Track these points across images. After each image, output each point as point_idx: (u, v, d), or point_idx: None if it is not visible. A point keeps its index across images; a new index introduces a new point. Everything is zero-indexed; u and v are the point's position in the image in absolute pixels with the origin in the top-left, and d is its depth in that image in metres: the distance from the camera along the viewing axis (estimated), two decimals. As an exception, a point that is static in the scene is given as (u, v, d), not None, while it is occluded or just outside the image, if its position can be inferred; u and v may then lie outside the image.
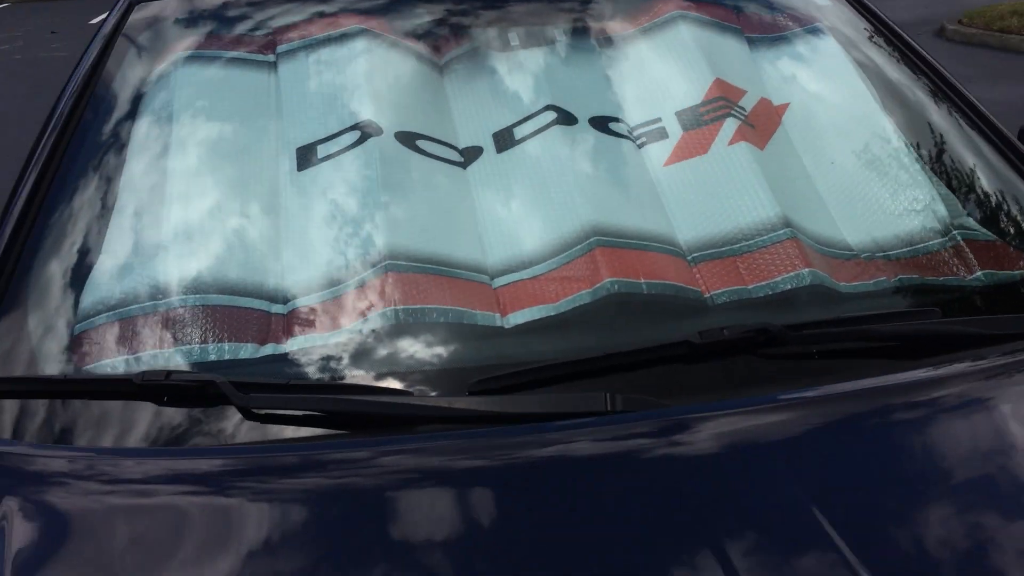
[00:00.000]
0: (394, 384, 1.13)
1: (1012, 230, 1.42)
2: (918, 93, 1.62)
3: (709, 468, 1.01)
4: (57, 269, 1.26)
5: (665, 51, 1.57)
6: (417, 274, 1.22)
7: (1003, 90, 7.76)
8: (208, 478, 1.03)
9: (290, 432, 1.09)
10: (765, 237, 1.30)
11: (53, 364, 1.16)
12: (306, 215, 1.30)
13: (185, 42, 1.55)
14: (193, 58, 1.52)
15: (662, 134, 1.45)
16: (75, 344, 1.17)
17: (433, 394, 1.11)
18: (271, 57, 1.52)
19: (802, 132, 1.50)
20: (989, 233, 1.40)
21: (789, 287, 1.25)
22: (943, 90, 1.62)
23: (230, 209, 1.31)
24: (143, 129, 1.42)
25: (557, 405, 1.07)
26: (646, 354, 1.13)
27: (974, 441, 1.07)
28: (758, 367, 1.16)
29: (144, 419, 1.09)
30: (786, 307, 1.24)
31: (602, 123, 1.45)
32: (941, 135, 1.55)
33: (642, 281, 1.23)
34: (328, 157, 1.37)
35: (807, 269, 1.26)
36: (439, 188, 1.35)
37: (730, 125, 1.45)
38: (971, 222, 1.40)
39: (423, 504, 0.98)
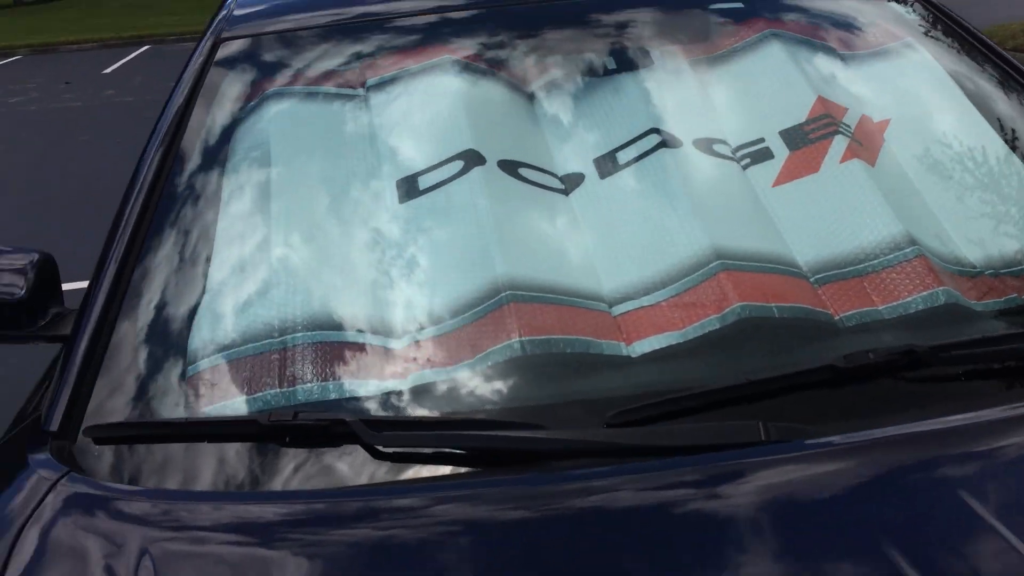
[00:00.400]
0: (524, 418, 1.08)
1: None
2: (1019, 104, 1.58)
3: (876, 495, 0.96)
4: (163, 312, 1.22)
5: (762, 70, 1.53)
6: (538, 304, 1.17)
7: None
8: (341, 520, 0.98)
9: (422, 471, 1.04)
10: (891, 256, 1.25)
11: (167, 408, 1.11)
12: (415, 247, 1.25)
13: (273, 78, 1.52)
14: (282, 94, 1.49)
15: (767, 154, 1.41)
16: (189, 387, 1.13)
17: (566, 428, 1.06)
18: (360, 91, 1.49)
19: (907, 148, 1.46)
20: None
21: (923, 307, 1.20)
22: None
23: (335, 243, 1.27)
24: (238, 167, 1.39)
25: (706, 436, 1.02)
26: (790, 380, 1.07)
27: None
28: (903, 391, 1.10)
29: (270, 461, 1.04)
30: (922, 328, 1.18)
31: (706, 145, 1.41)
32: None
33: (772, 305, 1.18)
34: (431, 188, 1.33)
35: (941, 288, 1.21)
36: (545, 216, 1.31)
37: (839, 143, 1.41)
38: None
39: (576, 544, 0.92)
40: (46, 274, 1.35)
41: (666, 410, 1.05)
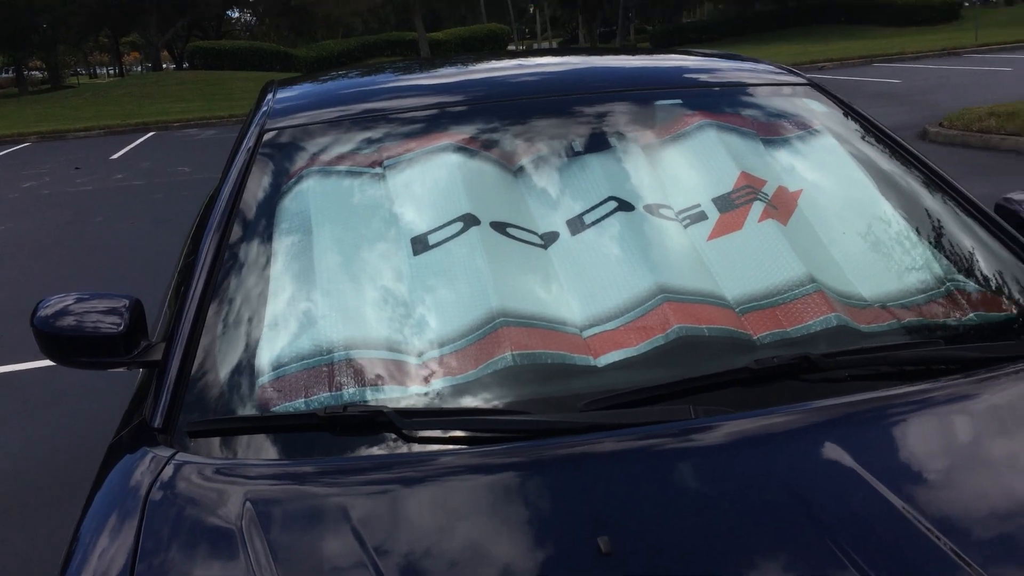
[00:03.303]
0: (516, 408, 1.43)
1: (994, 283, 1.74)
2: (904, 176, 1.97)
3: (777, 458, 1.30)
4: (234, 339, 1.57)
5: (698, 151, 1.93)
6: (524, 327, 1.53)
7: (994, 183, 8.20)
8: (381, 482, 1.30)
9: (443, 447, 1.37)
10: (797, 291, 1.62)
11: (245, 409, 1.46)
12: (427, 288, 1.62)
13: (309, 160, 1.90)
14: (316, 172, 1.87)
15: (703, 216, 1.79)
16: (260, 392, 1.48)
17: (550, 413, 1.41)
18: (379, 169, 1.87)
19: (815, 211, 1.84)
20: (976, 285, 1.72)
21: (820, 328, 1.57)
22: (924, 173, 1.98)
23: (365, 285, 1.63)
24: (286, 228, 1.76)
25: (651, 416, 1.37)
26: (715, 378, 1.44)
27: (971, 440, 1.36)
28: (800, 387, 1.46)
29: (326, 445, 1.38)
30: (818, 343, 1.55)
31: (654, 209, 1.79)
32: (927, 209, 1.89)
33: (703, 326, 1.55)
34: (438, 244, 1.70)
35: (833, 314, 1.58)
36: (529, 264, 1.68)
37: (757, 207, 1.79)
38: (960, 276, 1.73)
39: (559, 489, 1.26)
40: (136, 313, 1.70)
41: (624, 400, 1.41)
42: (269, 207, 1.82)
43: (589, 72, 2.28)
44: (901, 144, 2.08)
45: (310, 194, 1.82)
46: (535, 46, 56.21)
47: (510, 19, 48.98)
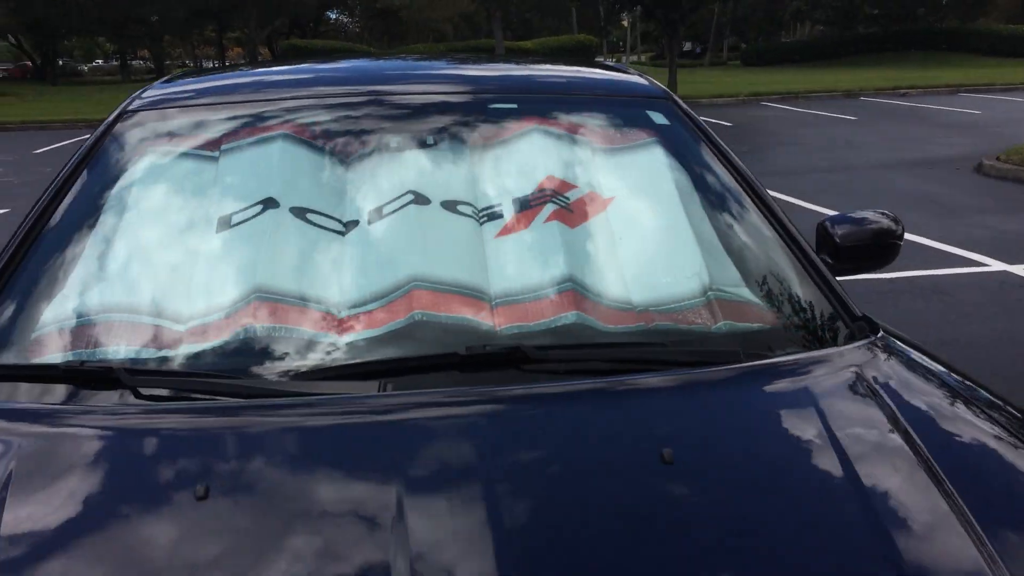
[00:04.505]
0: (244, 374, 1.56)
1: (757, 295, 1.80)
2: (721, 196, 2.03)
3: (478, 425, 1.43)
4: (24, 297, 1.75)
5: (516, 155, 2.02)
6: (277, 303, 1.66)
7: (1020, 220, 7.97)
8: (104, 429, 1.45)
9: (169, 405, 1.52)
10: (549, 289, 1.71)
11: (10, 355, 1.63)
12: (210, 263, 1.76)
13: (152, 141, 2.07)
14: (157, 152, 2.03)
15: (500, 215, 1.89)
16: (29, 343, 1.64)
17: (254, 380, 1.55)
18: (216, 153, 2.02)
19: (617, 219, 1.91)
20: (739, 295, 1.78)
21: (559, 324, 1.65)
22: (749, 195, 2.03)
23: (157, 257, 1.79)
24: (106, 203, 1.92)
25: (337, 389, 1.50)
26: (422, 360, 1.55)
27: (656, 434, 1.44)
28: (516, 377, 1.55)
29: (62, 395, 1.54)
30: (552, 338, 1.63)
31: (452, 205, 1.90)
32: (730, 227, 1.95)
33: (442, 314, 1.65)
34: (237, 224, 1.84)
35: (574, 312, 1.67)
36: (316, 248, 1.80)
37: (548, 208, 1.88)
38: (727, 287, 1.79)
39: (242, 445, 1.38)
40: None
41: (329, 374, 1.54)
42: (102, 181, 1.98)
43: (437, 75, 2.39)
44: (735, 165, 2.12)
45: (142, 172, 1.98)
46: (623, 60, 56.23)
47: (600, 31, 49.09)
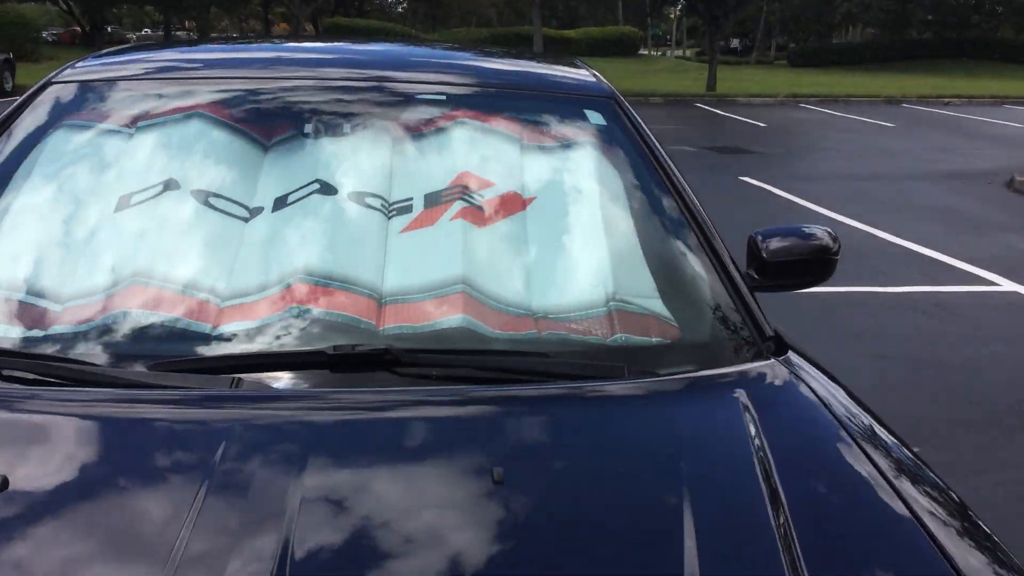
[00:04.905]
0: (108, 361, 1.52)
1: (665, 308, 1.72)
2: (647, 201, 1.95)
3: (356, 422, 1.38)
4: None
5: (435, 148, 1.95)
6: (156, 289, 1.61)
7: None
8: None
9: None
10: (440, 290, 1.64)
11: None
12: (103, 243, 1.72)
13: (73, 115, 2.02)
14: (73, 125, 1.99)
15: (409, 209, 1.82)
16: None
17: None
18: (131, 130, 1.98)
19: (534, 221, 1.84)
20: (645, 307, 1.70)
21: (444, 327, 1.59)
22: (677, 204, 1.95)
23: (52, 235, 1.74)
24: (18, 173, 1.88)
25: (191, 382, 1.44)
26: (289, 357, 1.49)
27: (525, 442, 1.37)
28: (387, 381, 1.49)
29: None
30: (432, 341, 1.57)
31: (360, 197, 1.84)
32: (649, 235, 1.87)
33: (321, 310, 1.59)
34: (137, 204, 1.79)
35: (462, 315, 1.60)
36: (210, 233, 1.74)
37: (458, 206, 1.81)
38: (634, 299, 1.71)
39: (97, 432, 1.35)
40: None
41: (189, 366, 1.49)
42: (11, 152, 1.94)
43: (368, 61, 2.32)
44: (670, 173, 2.03)
45: (53, 145, 1.94)
46: (668, 54, 55.61)
47: (646, 23, 48.66)
